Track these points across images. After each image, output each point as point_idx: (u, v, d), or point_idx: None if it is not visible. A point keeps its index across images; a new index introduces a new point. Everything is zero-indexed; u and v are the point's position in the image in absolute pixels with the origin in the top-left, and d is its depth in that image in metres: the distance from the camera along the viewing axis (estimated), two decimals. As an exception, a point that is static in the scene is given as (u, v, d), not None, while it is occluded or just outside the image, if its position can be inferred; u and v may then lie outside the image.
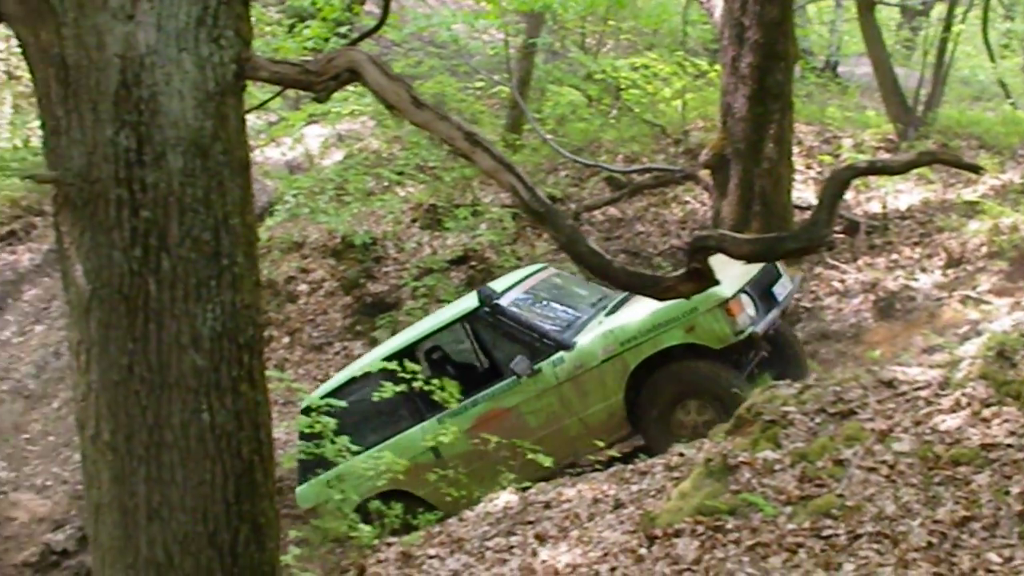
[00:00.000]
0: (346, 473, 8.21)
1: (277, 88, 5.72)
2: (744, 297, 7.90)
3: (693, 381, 7.95)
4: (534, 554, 6.27)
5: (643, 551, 5.72)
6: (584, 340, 8.12)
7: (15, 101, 15.67)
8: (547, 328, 8.37)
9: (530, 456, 7.69)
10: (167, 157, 3.51)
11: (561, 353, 8.12)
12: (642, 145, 14.48)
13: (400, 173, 13.85)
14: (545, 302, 9.04)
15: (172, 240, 3.56)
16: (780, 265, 8.76)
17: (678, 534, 5.61)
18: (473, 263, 12.43)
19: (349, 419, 8.24)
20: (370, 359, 8.85)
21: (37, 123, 15.29)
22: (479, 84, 15.50)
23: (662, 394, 7.98)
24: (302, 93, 13.01)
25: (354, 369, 8.85)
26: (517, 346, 8.21)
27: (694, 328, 7.74)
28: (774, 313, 8.16)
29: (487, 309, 8.28)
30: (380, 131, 15.49)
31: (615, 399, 8.06)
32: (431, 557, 6.64)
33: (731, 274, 7.60)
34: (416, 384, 8.04)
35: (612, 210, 13.36)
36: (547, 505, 6.94)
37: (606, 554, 5.88)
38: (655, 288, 4.04)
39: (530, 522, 6.73)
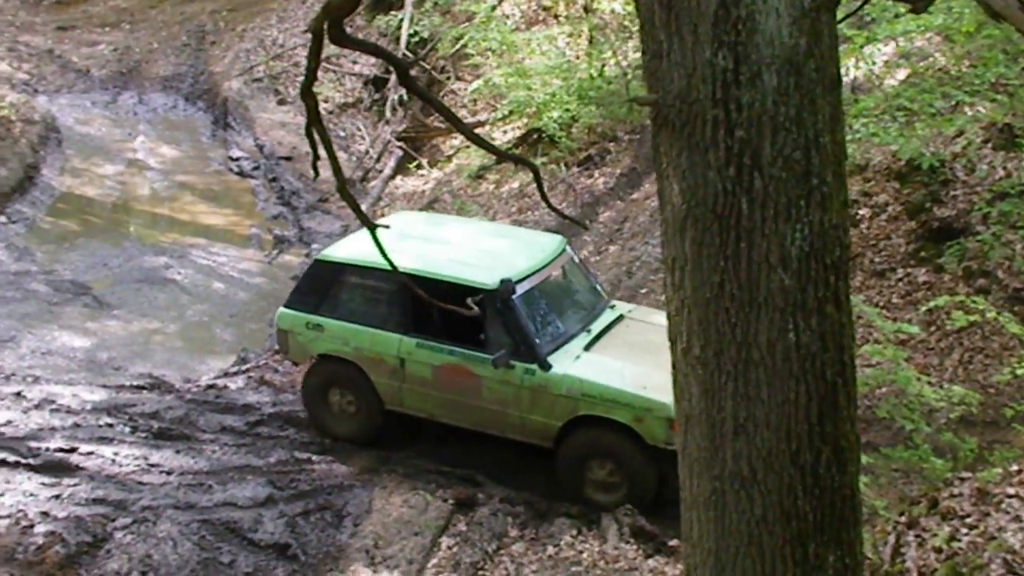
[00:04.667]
0: (326, 326, 9.96)
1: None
2: None
3: (613, 451, 8.99)
4: None
5: None
6: (557, 368, 9.08)
7: (591, 34, 16.49)
8: (535, 340, 9.20)
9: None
10: (762, 76, 3.51)
11: (536, 367, 9.09)
12: None
13: (971, 92, 12.93)
14: (549, 301, 9.75)
15: (764, 159, 3.57)
16: None
17: None
18: (1055, 186, 11.39)
19: (347, 287, 9.91)
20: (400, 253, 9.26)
21: (609, 54, 16.15)
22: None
23: (584, 444, 9.07)
24: (867, 12, 12.57)
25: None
26: (507, 337, 9.18)
27: (642, 421, 8.72)
28: None
29: (500, 299, 9.15)
30: (947, 47, 14.54)
31: (555, 424, 9.11)
32: (1010, 496, 6.26)
33: None
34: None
35: None
36: None
37: None
38: None
39: None
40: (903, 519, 6.49)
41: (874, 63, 13.79)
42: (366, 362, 9.86)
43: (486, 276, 9.32)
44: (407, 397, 9.78)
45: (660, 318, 10.04)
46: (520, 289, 9.25)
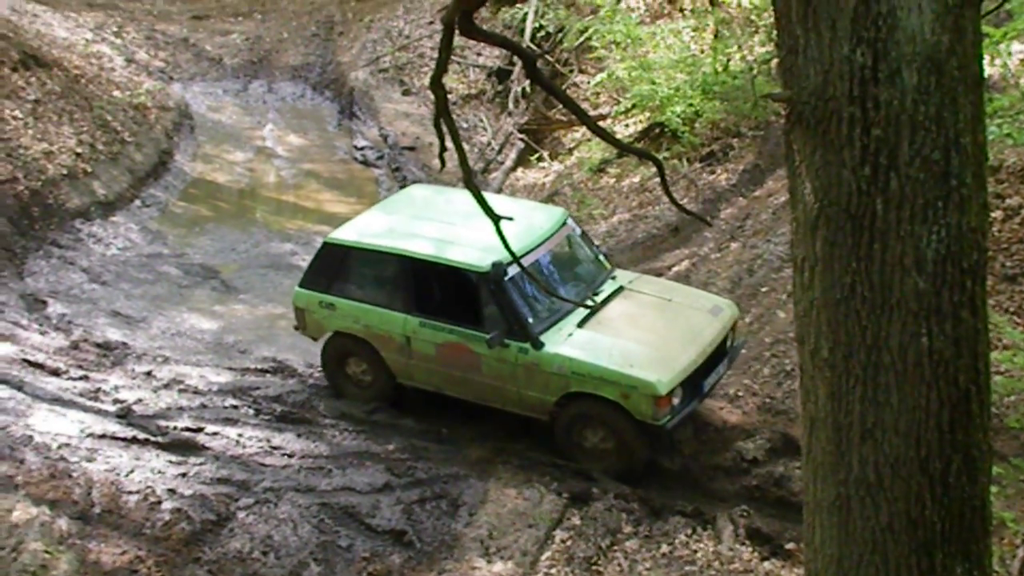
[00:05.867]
0: (337, 305, 10.41)
1: None
2: (678, 391, 9.07)
3: (605, 421, 9.32)
4: None
5: None
6: (549, 347, 9.37)
7: (716, 28, 16.28)
8: (528, 320, 9.49)
9: None
10: (901, 74, 3.43)
11: (528, 346, 9.39)
12: None
13: (1119, 90, 12.40)
14: (545, 278, 10.01)
15: (902, 159, 3.49)
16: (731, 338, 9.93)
17: None
18: None
19: (355, 268, 10.29)
20: (408, 237, 10.12)
21: (735, 48, 15.92)
22: None
23: (578, 414, 9.44)
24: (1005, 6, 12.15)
25: (392, 237, 10.17)
26: (500, 317, 9.49)
27: (629, 397, 9.04)
28: (690, 407, 9.30)
29: (493, 281, 9.43)
30: (1093, 44, 13.98)
31: (549, 399, 9.49)
32: None
33: (682, 360, 9.14)
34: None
35: None
36: None
37: None
38: None
39: None
40: (1033, 533, 6.28)
41: (1010, 55, 13.34)
42: (376, 339, 10.32)
43: (479, 258, 9.57)
44: (415, 372, 10.28)
45: (659, 288, 10.36)
46: (512, 271, 9.44)
